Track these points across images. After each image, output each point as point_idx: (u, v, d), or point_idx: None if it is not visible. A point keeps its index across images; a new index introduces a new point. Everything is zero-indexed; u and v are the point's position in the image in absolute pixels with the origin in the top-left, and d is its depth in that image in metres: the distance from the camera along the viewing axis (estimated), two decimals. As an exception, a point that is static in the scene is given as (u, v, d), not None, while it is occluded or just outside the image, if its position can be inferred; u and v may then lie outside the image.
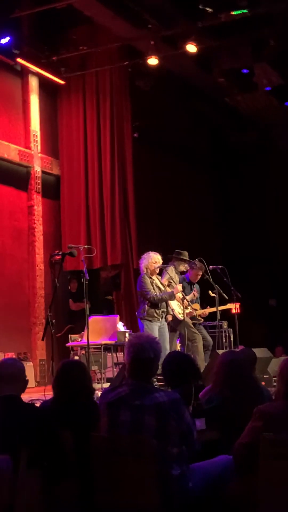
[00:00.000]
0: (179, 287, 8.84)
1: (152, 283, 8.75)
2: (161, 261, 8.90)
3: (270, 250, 14.88)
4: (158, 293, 8.70)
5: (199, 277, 9.49)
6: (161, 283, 8.88)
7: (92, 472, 3.51)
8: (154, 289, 8.73)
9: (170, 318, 9.02)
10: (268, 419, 3.34)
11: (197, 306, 9.54)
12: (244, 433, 3.46)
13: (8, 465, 3.26)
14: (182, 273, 9.56)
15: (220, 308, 9.31)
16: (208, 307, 9.62)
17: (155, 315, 8.68)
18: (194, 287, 9.61)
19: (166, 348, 8.63)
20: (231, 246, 15.27)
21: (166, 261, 9.26)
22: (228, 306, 9.52)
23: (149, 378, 3.69)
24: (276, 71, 11.75)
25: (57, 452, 3.55)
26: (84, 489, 3.55)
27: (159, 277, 8.94)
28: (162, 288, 8.83)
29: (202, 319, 9.61)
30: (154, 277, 8.84)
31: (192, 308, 9.41)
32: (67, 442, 3.57)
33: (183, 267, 9.49)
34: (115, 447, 3.43)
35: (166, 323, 8.89)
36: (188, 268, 9.55)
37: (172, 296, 8.80)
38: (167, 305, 8.91)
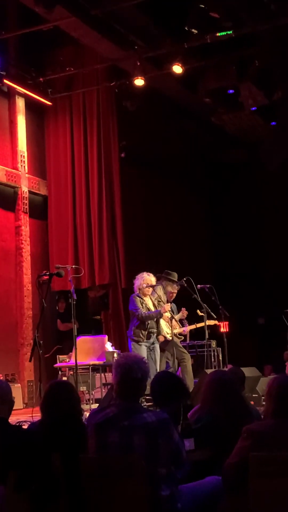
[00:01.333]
0: (167, 306, 8.82)
1: (142, 303, 8.72)
2: (154, 283, 8.86)
3: (260, 268, 14.90)
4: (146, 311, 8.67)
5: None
6: (154, 305, 8.83)
7: (81, 494, 3.47)
8: (143, 309, 8.69)
9: (162, 339, 8.97)
10: (257, 438, 3.33)
11: (176, 324, 9.41)
12: (233, 453, 3.44)
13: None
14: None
15: (202, 324, 9.23)
16: (187, 325, 9.55)
17: (141, 335, 8.63)
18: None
19: (156, 369, 8.59)
20: (220, 264, 15.29)
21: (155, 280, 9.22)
22: (211, 322, 9.44)
23: (137, 398, 3.67)
24: (261, 91, 11.85)
25: (46, 475, 3.51)
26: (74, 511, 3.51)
27: (153, 299, 8.89)
28: (153, 310, 8.79)
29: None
30: (146, 298, 8.80)
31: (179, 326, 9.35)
32: (56, 464, 3.53)
33: (171, 287, 9.43)
34: (104, 469, 3.40)
35: (157, 344, 8.84)
36: (176, 289, 9.48)
37: (159, 315, 8.77)
38: (158, 325, 8.86)
